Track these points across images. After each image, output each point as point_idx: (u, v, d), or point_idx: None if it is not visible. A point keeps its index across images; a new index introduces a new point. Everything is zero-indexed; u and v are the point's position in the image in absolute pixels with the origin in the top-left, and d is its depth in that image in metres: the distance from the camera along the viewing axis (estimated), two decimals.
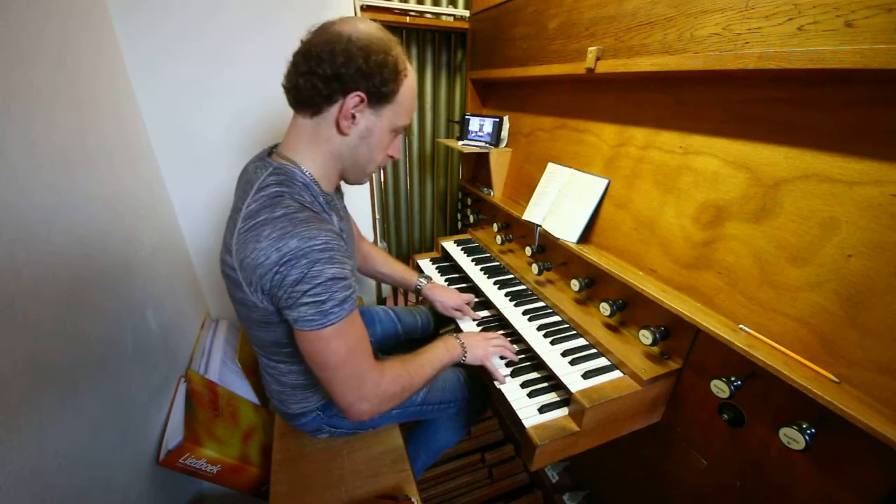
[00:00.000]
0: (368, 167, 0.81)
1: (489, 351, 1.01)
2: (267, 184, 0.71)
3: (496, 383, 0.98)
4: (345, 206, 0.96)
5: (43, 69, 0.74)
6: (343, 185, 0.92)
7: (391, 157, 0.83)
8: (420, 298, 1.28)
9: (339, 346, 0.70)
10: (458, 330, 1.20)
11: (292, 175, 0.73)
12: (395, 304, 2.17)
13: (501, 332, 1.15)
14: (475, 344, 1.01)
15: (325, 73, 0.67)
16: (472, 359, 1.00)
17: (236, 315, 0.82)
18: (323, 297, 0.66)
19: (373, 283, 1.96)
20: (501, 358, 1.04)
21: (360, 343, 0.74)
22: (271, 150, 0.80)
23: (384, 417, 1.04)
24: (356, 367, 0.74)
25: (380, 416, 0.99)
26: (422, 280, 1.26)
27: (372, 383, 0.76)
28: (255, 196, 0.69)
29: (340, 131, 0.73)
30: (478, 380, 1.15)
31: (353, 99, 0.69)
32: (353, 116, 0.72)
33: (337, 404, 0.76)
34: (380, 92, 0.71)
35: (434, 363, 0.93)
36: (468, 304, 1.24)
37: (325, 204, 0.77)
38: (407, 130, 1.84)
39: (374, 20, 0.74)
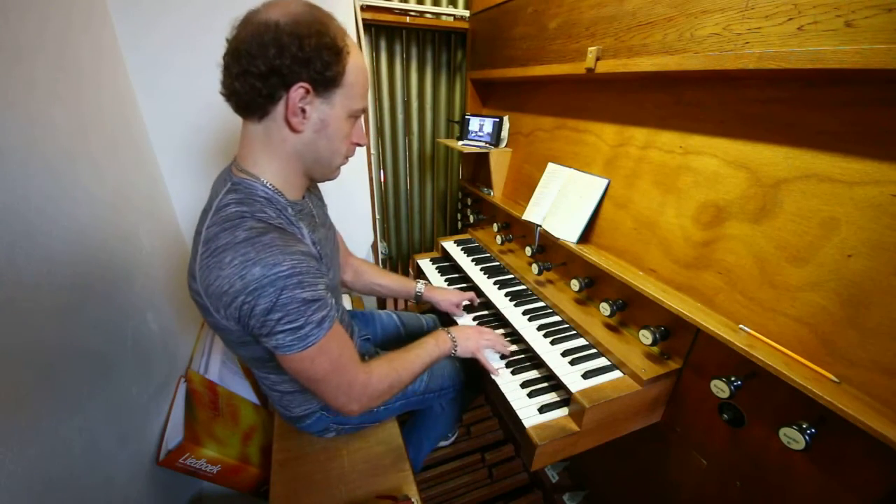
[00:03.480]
0: (333, 160, 0.75)
1: (481, 344, 1.02)
2: (226, 203, 0.66)
3: (491, 375, 1.01)
4: (323, 211, 0.92)
5: (43, 69, 0.74)
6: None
7: (357, 144, 0.77)
8: (411, 303, 1.29)
9: (323, 361, 0.69)
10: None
11: (252, 190, 0.68)
12: (396, 307, 2.17)
13: (501, 331, 1.15)
14: (466, 336, 1.01)
15: (260, 70, 0.60)
16: (462, 351, 1.00)
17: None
18: (299, 322, 0.63)
19: None
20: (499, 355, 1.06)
21: (343, 353, 0.73)
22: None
23: (389, 409, 1.05)
24: (343, 375, 0.73)
25: (384, 409, 1.03)
26: (420, 285, 1.25)
27: (360, 385, 0.76)
28: (214, 217, 0.65)
29: (293, 129, 0.66)
30: (470, 362, 1.15)
31: (296, 92, 0.63)
32: (303, 111, 0.65)
33: (329, 407, 0.77)
34: (324, 77, 0.63)
35: (423, 358, 0.92)
36: (470, 300, 1.24)
37: (294, 216, 0.73)
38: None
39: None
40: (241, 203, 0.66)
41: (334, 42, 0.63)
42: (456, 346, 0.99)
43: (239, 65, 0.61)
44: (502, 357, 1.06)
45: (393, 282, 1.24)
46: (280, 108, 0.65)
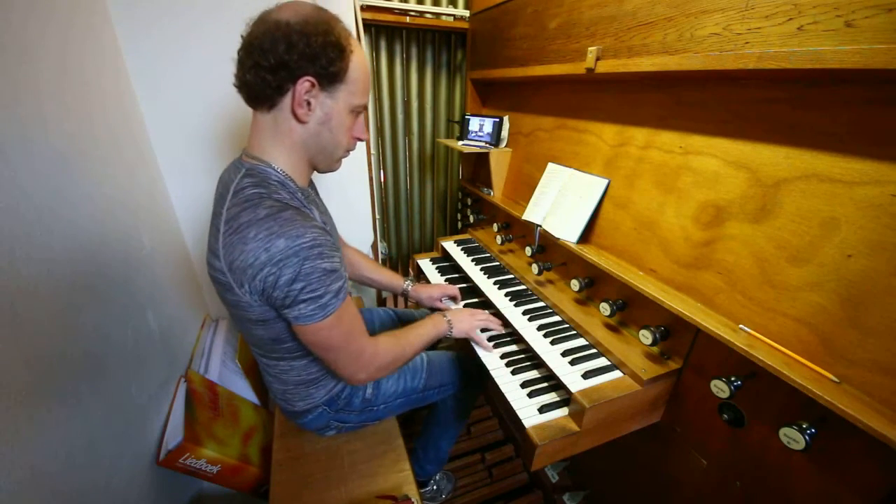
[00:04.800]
0: (336, 152, 0.80)
1: (474, 324, 1.09)
2: (243, 186, 0.71)
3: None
4: (322, 202, 0.98)
5: (44, 70, 0.74)
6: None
7: (357, 139, 0.82)
8: (409, 302, 1.33)
9: (339, 331, 0.75)
10: None
11: (266, 175, 0.73)
12: (395, 305, 2.17)
13: (502, 329, 1.16)
14: (460, 319, 1.08)
15: (269, 64, 0.66)
16: (457, 332, 1.07)
17: (231, 317, 0.82)
18: (320, 292, 0.68)
19: None
20: (485, 332, 1.13)
21: (355, 323, 0.79)
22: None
23: (389, 407, 1.07)
24: (355, 344, 0.80)
25: (384, 407, 1.05)
26: (408, 282, 1.29)
27: (369, 356, 0.83)
28: (233, 200, 0.70)
29: (298, 120, 0.72)
30: (469, 360, 1.20)
31: (302, 85, 0.68)
32: (309, 103, 0.70)
33: (339, 375, 0.83)
34: (328, 73, 0.69)
35: (423, 336, 1.00)
36: (453, 296, 1.29)
37: (304, 199, 0.77)
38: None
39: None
40: (257, 185, 0.71)
41: (338, 41, 0.68)
42: (451, 327, 1.06)
43: (251, 58, 0.67)
44: (490, 338, 1.12)
45: (383, 277, 1.29)
46: (287, 100, 0.70)
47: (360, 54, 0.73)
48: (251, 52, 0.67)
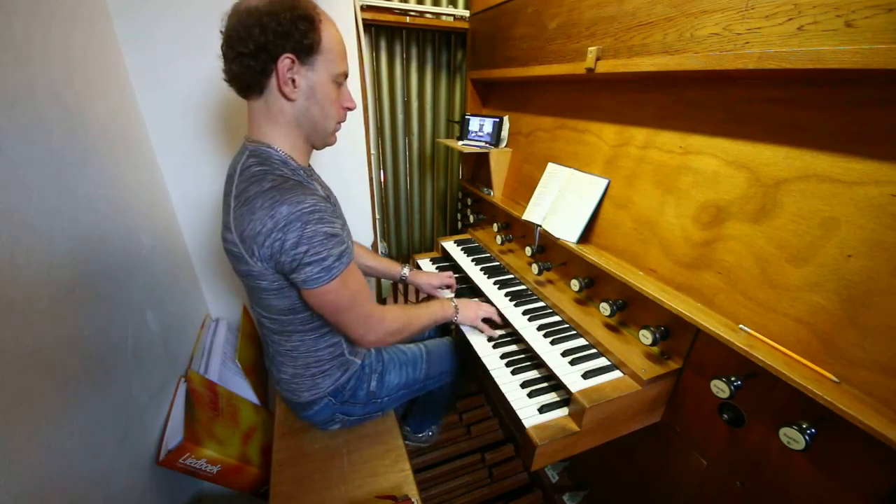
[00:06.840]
0: (328, 125, 0.83)
1: (479, 314, 1.14)
2: (248, 165, 0.76)
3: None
4: (325, 183, 1.01)
5: (45, 70, 0.74)
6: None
7: (347, 108, 0.85)
8: (408, 298, 1.36)
9: (345, 293, 0.79)
10: None
11: (268, 154, 0.78)
12: (396, 302, 2.17)
13: (500, 331, 1.16)
14: (467, 306, 1.13)
15: (249, 50, 0.69)
16: (462, 319, 1.12)
17: (247, 293, 0.86)
18: (323, 255, 0.72)
19: (373, 282, 1.96)
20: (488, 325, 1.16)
21: (361, 288, 0.83)
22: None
23: (393, 399, 1.09)
24: (362, 307, 0.84)
25: (388, 399, 1.08)
26: (405, 270, 1.33)
27: (377, 319, 0.89)
28: (241, 178, 0.75)
29: (287, 98, 0.75)
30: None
31: (283, 63, 0.71)
32: (293, 80, 0.74)
33: (350, 338, 0.89)
34: (304, 46, 0.72)
35: (430, 315, 1.05)
36: (449, 285, 1.34)
37: (306, 175, 0.82)
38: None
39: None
40: (261, 164, 0.76)
41: (306, 12, 0.71)
42: (457, 313, 1.11)
43: (233, 50, 0.71)
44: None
45: (381, 265, 1.33)
46: (273, 81, 0.74)
47: (329, 23, 0.76)
48: (231, 44, 0.70)
